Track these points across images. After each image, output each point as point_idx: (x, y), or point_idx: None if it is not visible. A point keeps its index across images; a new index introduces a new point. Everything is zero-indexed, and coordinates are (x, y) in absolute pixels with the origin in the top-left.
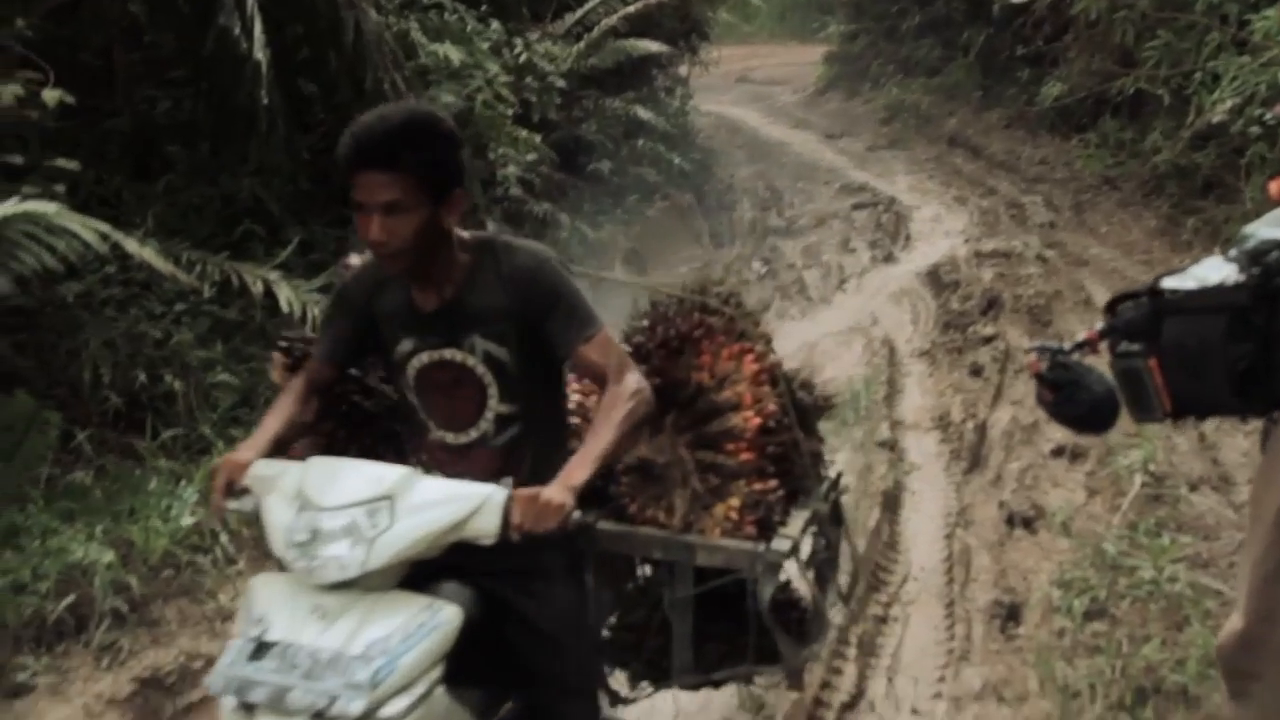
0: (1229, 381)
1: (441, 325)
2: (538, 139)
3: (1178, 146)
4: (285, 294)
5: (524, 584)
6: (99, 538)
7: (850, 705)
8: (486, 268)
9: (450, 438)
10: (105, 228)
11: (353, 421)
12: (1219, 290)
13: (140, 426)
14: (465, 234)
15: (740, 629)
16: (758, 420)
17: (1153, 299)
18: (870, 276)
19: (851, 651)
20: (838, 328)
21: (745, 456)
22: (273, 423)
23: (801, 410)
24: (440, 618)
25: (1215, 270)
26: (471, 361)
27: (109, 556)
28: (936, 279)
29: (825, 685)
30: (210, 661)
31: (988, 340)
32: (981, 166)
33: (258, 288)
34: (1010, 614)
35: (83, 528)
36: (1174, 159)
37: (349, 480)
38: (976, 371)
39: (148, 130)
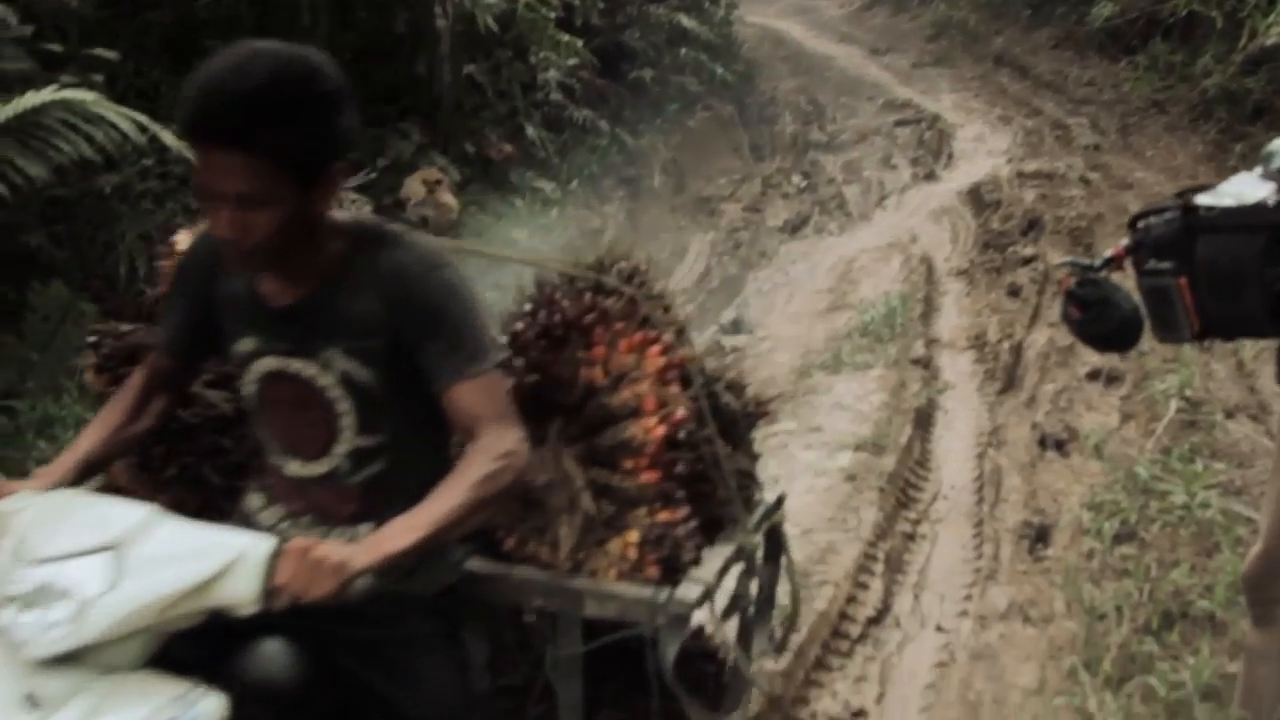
0: (1263, 303)
1: (292, 328)
2: (580, 44)
3: (1228, 71)
4: None
5: (381, 660)
6: None
7: (875, 620)
8: (361, 266)
9: (295, 466)
10: (143, 119)
11: (170, 435)
12: (1258, 209)
13: None
14: (342, 218)
15: (641, 690)
16: (662, 430)
17: (1185, 215)
18: (911, 194)
19: (879, 567)
20: (876, 244)
21: (647, 477)
22: (85, 440)
23: (727, 418)
24: (197, 711)
25: (1251, 187)
26: (324, 381)
27: None
28: (978, 198)
29: (851, 600)
30: None
31: (1027, 261)
32: (1027, 86)
33: None
34: (1039, 535)
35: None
36: (1224, 83)
37: (74, 523)
38: (1014, 292)
39: (188, 23)
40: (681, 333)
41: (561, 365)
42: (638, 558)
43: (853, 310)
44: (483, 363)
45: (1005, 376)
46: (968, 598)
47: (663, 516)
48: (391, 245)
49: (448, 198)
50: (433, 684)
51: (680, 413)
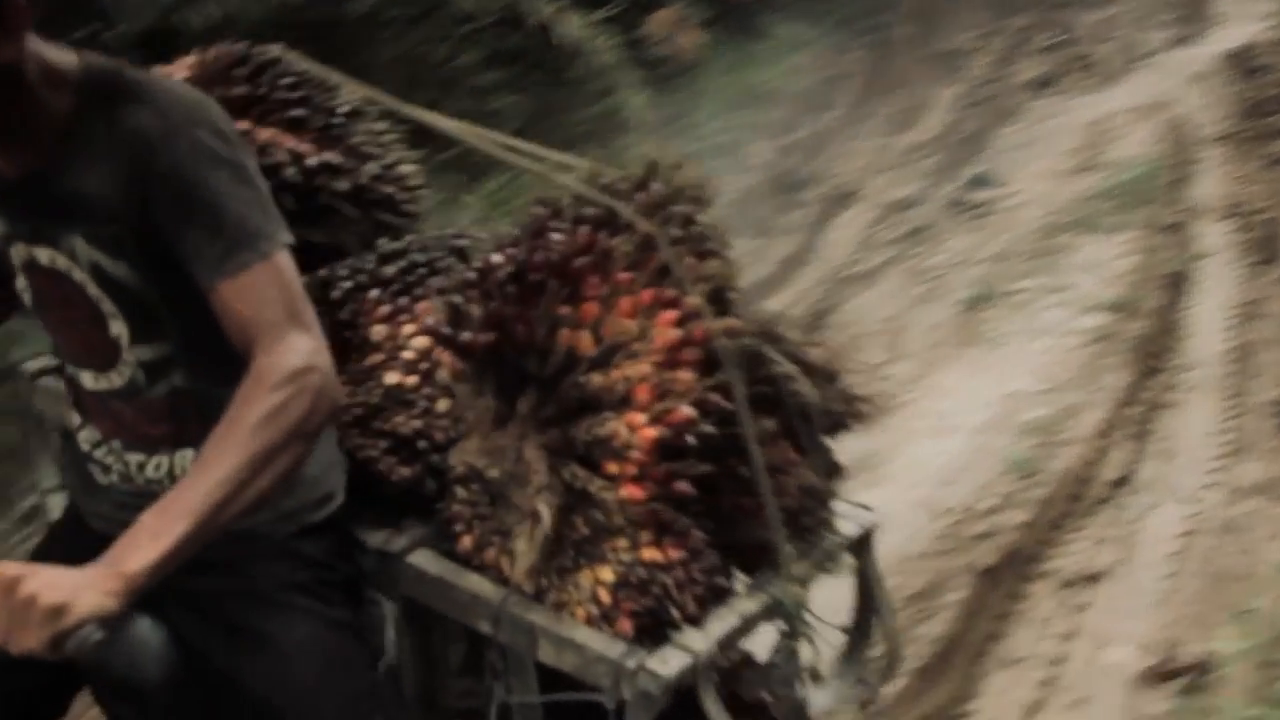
0: None
1: (25, 207)
2: None
3: None
4: (567, 24)
5: (217, 621)
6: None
7: (1118, 484)
8: (95, 127)
9: (89, 379)
10: None
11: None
12: None
13: (420, 147)
14: (70, 60)
15: None
16: (653, 433)
17: None
18: (1167, 56)
19: (1124, 431)
20: (1129, 105)
21: (629, 493)
22: None
23: (796, 414)
24: None
25: None
26: (79, 276)
27: None
28: (1240, 63)
29: (1094, 462)
30: None
31: None
32: None
33: (538, 17)
34: None
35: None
36: None
37: None
38: (1277, 162)
39: None
40: (723, 292)
41: (533, 323)
42: (610, 602)
43: (1103, 171)
44: (250, 250)
45: (1264, 249)
46: (1216, 470)
47: (648, 554)
48: (131, 99)
49: (690, 37)
50: (284, 650)
51: (685, 410)
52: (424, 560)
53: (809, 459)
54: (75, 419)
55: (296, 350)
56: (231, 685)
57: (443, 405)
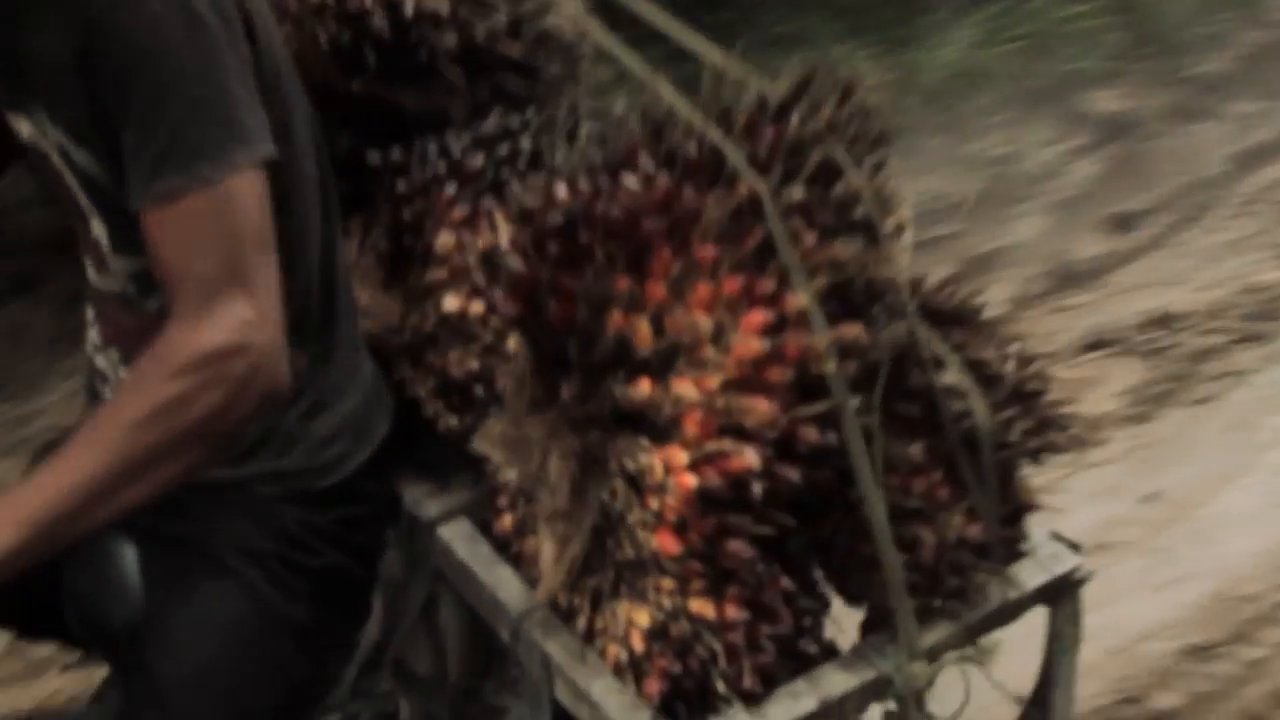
0: None
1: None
2: None
3: None
4: None
5: (160, 568)
6: (874, 59)
7: None
8: None
9: (93, 274)
10: None
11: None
12: None
13: None
14: None
15: None
16: (692, 482)
17: None
18: None
19: None
20: None
21: (662, 543)
22: None
23: (966, 442)
24: None
25: None
26: (57, 161)
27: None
28: None
29: None
30: None
31: None
32: None
33: None
34: None
35: (859, 45)
36: None
37: None
38: None
39: None
40: (860, 282)
41: (576, 298)
42: (642, 651)
43: None
44: (183, 173)
45: None
46: None
47: (696, 606)
48: None
49: None
50: (191, 620)
51: (745, 458)
52: (455, 535)
53: (974, 498)
54: (90, 312)
55: (223, 323)
56: (127, 650)
57: (514, 343)
